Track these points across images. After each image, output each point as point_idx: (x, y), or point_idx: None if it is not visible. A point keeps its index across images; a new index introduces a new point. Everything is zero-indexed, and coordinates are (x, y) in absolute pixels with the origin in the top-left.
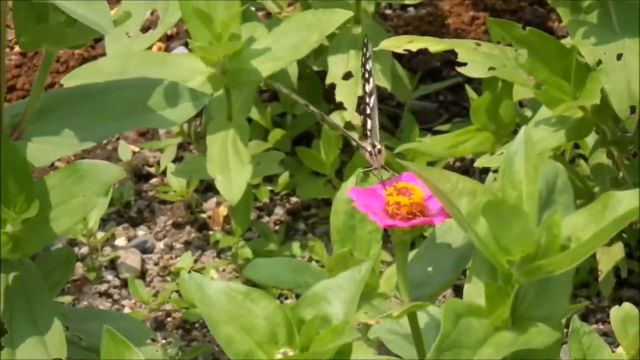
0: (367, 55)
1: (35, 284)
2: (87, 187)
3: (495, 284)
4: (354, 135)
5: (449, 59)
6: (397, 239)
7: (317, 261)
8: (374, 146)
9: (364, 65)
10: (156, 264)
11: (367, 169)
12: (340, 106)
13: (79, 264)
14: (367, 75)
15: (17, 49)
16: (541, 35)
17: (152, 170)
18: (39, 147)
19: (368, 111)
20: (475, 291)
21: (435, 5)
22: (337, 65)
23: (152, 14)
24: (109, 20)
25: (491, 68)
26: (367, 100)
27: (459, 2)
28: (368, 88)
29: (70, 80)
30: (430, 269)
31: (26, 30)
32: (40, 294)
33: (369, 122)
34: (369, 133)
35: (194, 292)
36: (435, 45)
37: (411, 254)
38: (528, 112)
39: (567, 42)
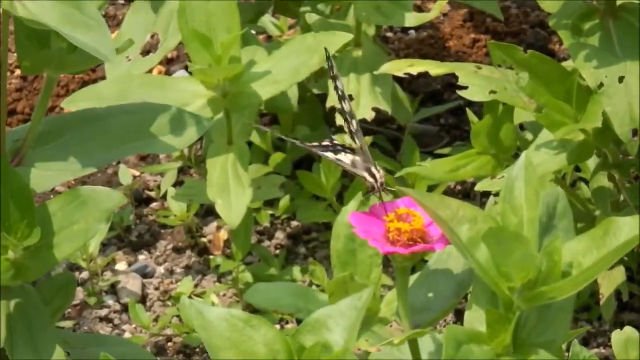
0: (333, 73)
1: (37, 310)
2: (88, 214)
3: (496, 311)
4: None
5: (450, 82)
6: (397, 265)
7: (318, 285)
8: (369, 169)
9: (334, 82)
10: (157, 288)
11: (369, 192)
12: (341, 129)
13: (79, 289)
14: (340, 94)
15: (17, 72)
16: (542, 58)
17: (152, 194)
18: (40, 173)
19: (353, 130)
20: (476, 317)
21: (437, 28)
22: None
23: (152, 37)
24: (111, 47)
25: (492, 91)
26: (350, 119)
27: (460, 24)
28: (347, 107)
29: (70, 104)
30: (430, 294)
31: (28, 55)
32: (42, 320)
33: (357, 142)
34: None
35: (195, 319)
36: (436, 68)
37: (412, 279)
38: (529, 136)
39: (568, 64)
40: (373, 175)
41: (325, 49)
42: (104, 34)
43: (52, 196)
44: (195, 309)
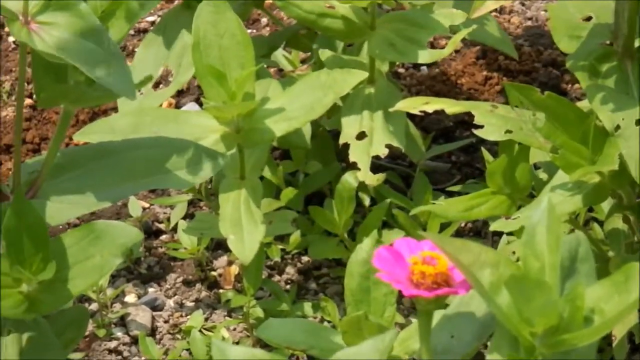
0: None
1: (49, 344)
2: (103, 248)
3: (518, 357)
4: None
5: (463, 119)
6: (421, 308)
7: (329, 321)
8: None
9: None
10: (166, 321)
11: None
12: (353, 166)
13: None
14: None
15: (27, 101)
16: (559, 99)
17: (162, 226)
18: (54, 206)
19: None
20: None
21: (449, 65)
22: (350, 126)
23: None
24: (131, 84)
25: (508, 131)
26: None
27: (472, 61)
28: None
29: (82, 136)
30: (452, 336)
31: (45, 88)
32: (54, 354)
33: None
34: None
35: (215, 356)
36: (451, 107)
37: (434, 319)
38: (543, 175)
39: (582, 104)
40: None
41: None
42: (124, 70)
43: (67, 231)
44: (217, 347)
